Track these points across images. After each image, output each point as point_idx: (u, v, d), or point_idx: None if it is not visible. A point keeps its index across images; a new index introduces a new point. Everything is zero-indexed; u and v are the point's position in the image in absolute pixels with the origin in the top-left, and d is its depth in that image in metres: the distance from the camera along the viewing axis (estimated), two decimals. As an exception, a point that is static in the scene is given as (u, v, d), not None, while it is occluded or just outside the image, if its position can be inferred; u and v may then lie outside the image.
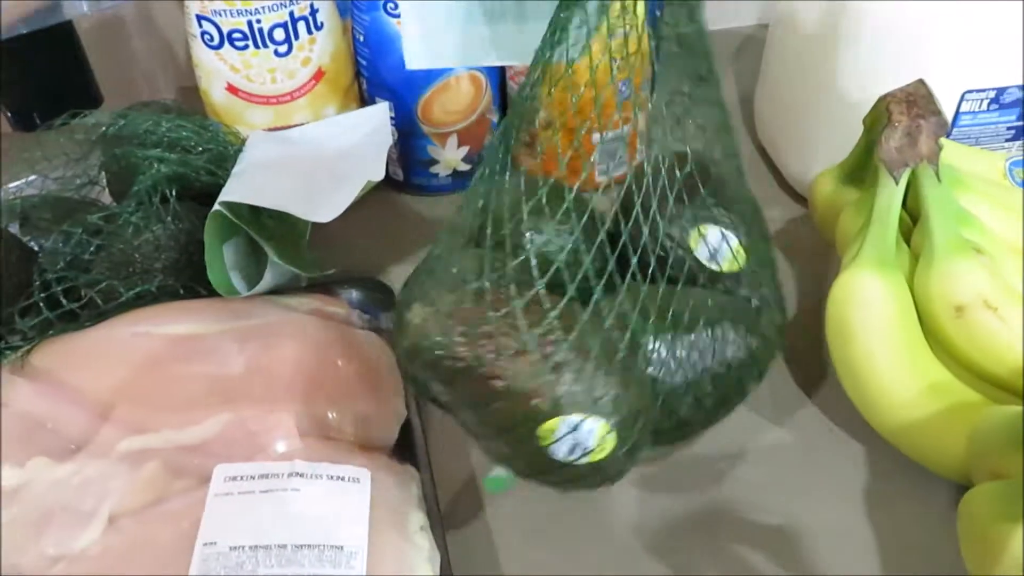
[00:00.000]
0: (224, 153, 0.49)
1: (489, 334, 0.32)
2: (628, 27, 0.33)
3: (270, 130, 0.53)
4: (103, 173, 0.51)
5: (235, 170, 0.47)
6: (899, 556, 0.40)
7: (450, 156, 0.58)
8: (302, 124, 0.54)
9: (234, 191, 0.44)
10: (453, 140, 0.57)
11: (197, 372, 0.40)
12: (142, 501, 0.36)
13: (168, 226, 0.47)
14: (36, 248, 0.48)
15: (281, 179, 0.47)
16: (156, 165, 0.48)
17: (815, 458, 0.45)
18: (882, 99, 0.41)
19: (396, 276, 0.54)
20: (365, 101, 0.58)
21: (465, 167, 0.59)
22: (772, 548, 0.41)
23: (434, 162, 0.58)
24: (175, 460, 0.37)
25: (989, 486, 0.34)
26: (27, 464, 0.37)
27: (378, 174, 0.45)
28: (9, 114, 0.59)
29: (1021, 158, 0.47)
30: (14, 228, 0.49)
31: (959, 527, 0.35)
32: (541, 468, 0.34)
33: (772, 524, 0.42)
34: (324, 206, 0.43)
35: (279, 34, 0.52)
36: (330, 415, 0.39)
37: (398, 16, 0.53)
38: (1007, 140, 0.51)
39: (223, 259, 0.45)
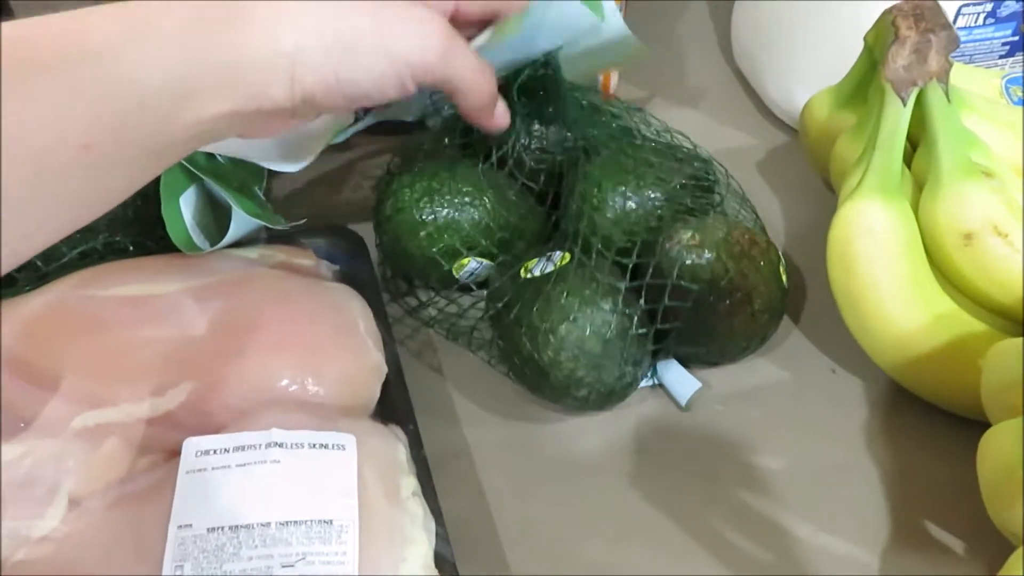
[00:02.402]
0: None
1: None
2: None
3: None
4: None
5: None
6: (904, 495, 0.39)
7: (414, 91, 0.54)
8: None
9: None
10: (417, 73, 0.53)
11: (154, 337, 0.37)
12: (104, 481, 0.33)
13: (111, 176, 0.43)
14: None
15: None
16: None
17: (815, 397, 0.43)
18: (887, 13, 0.38)
19: (364, 223, 0.50)
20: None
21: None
22: (772, 489, 0.40)
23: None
24: (137, 435, 0.34)
25: (1013, 424, 0.32)
26: (-30, 446, 0.33)
27: (348, 116, 0.42)
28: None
29: (1019, 75, 0.45)
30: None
31: (979, 466, 0.33)
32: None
33: (772, 466, 0.41)
34: (292, 153, 0.39)
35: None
36: (306, 377, 0.36)
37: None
38: (1001, 57, 0.49)
39: (180, 213, 0.41)
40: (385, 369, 0.39)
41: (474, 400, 0.43)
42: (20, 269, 0.42)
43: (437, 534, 0.34)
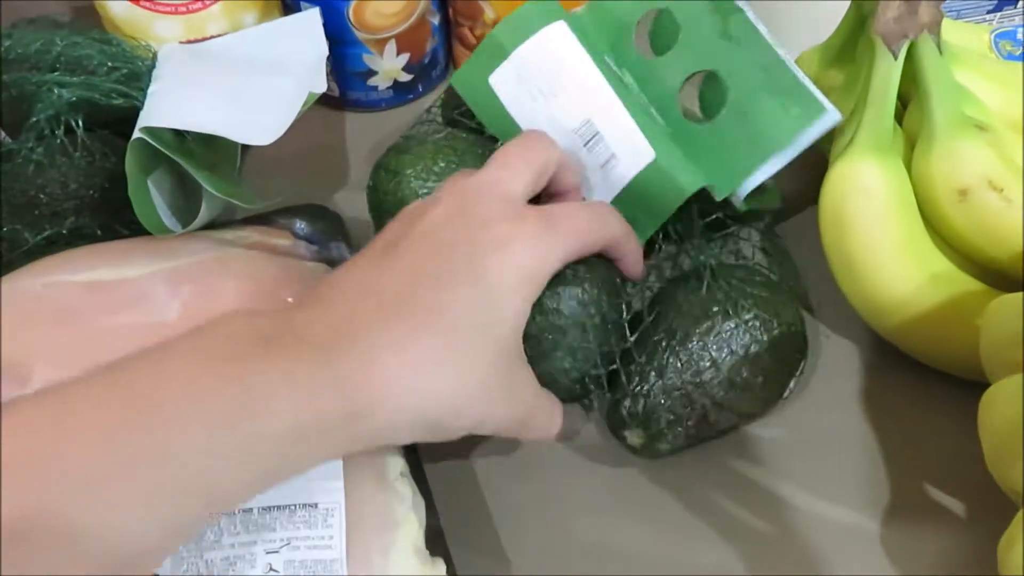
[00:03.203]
0: (135, 71, 0.43)
1: None
2: None
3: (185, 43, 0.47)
4: (-9, 104, 0.45)
5: (151, 90, 0.42)
6: (902, 459, 0.39)
7: (389, 66, 0.53)
8: (218, 36, 0.48)
9: (155, 115, 0.39)
10: (392, 47, 0.52)
11: (124, 323, 0.35)
12: (77, 473, 0.31)
13: (76, 160, 0.41)
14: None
15: (208, 98, 0.41)
16: (56, 91, 0.42)
17: (808, 363, 0.42)
18: (875, -37, 0.37)
19: (342, 201, 0.49)
20: (288, 8, 0.52)
21: (407, 77, 0.54)
22: (768, 459, 0.39)
23: (372, 73, 0.53)
24: (111, 424, 0.32)
25: (1015, 380, 0.31)
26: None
27: (320, 86, 0.41)
28: None
29: (1013, 28, 0.44)
30: None
31: (981, 424, 0.33)
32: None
33: (766, 435, 0.40)
34: (263, 126, 0.38)
35: (184, -70, 0.45)
36: (285, 359, 0.35)
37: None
38: (988, 12, 0.48)
39: (149, 194, 0.40)
40: (368, 349, 0.38)
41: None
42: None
43: (427, 515, 0.33)
